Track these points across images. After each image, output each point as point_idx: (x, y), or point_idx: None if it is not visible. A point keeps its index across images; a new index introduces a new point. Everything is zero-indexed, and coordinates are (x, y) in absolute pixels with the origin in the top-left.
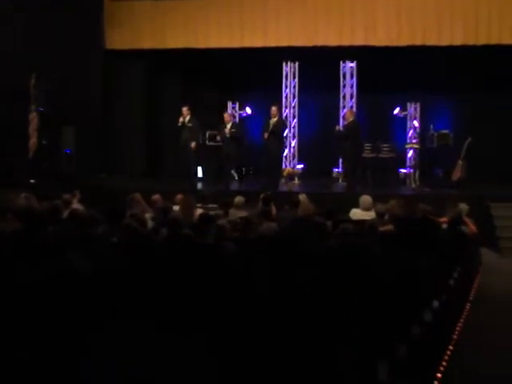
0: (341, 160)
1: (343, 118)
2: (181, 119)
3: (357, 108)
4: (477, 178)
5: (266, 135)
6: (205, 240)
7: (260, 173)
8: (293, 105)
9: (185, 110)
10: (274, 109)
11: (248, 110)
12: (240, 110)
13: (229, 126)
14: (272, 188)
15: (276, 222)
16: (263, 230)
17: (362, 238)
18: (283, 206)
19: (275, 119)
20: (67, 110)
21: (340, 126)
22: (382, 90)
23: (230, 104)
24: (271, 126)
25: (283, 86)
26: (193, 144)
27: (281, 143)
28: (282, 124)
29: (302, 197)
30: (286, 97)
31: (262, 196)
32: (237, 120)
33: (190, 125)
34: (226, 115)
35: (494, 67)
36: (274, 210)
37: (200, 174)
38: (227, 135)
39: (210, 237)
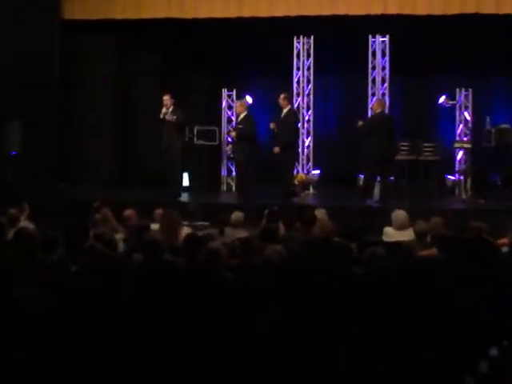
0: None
1: (372, 109)
2: (163, 110)
3: (390, 96)
4: None
5: (272, 125)
6: (193, 268)
7: (264, 180)
8: (307, 92)
9: (167, 99)
10: (282, 97)
11: (248, 100)
12: (238, 99)
13: (242, 116)
14: (280, 200)
15: (285, 245)
16: (268, 254)
17: (396, 265)
18: (294, 223)
19: (285, 110)
20: (13, 98)
21: (363, 121)
22: (423, 72)
23: (224, 92)
24: (281, 118)
25: (294, 68)
26: (177, 143)
27: (292, 143)
28: (294, 117)
29: (319, 212)
30: (298, 82)
31: (266, 211)
32: (244, 112)
33: (173, 118)
34: (238, 104)
35: None
36: (282, 229)
37: (186, 181)
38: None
39: (199, 263)
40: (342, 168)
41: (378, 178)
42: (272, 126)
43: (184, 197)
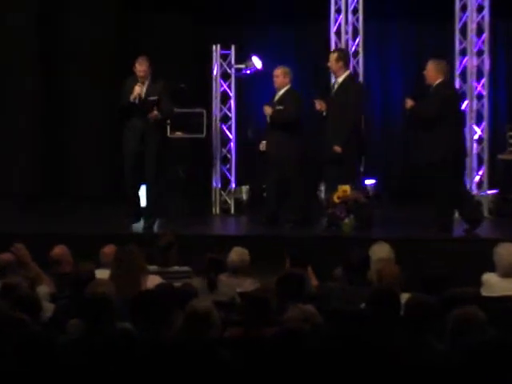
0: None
1: (427, 76)
2: (136, 90)
3: (490, 55)
4: None
5: (319, 104)
6: (164, 343)
7: (282, 194)
8: (352, 49)
9: (142, 68)
10: (335, 57)
11: (256, 63)
12: (239, 62)
13: (283, 91)
14: (308, 229)
15: (320, 305)
16: (291, 319)
17: (506, 342)
18: (333, 268)
19: (341, 78)
20: None
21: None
22: None
23: (216, 50)
24: (336, 91)
25: (331, 10)
26: (154, 145)
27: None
28: (360, 90)
29: (380, 249)
30: (339, 33)
31: (286, 251)
32: (286, 86)
33: (155, 115)
34: (279, 72)
35: None
36: (313, 277)
37: (143, 200)
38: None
39: (175, 335)
40: (405, 175)
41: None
42: (319, 105)
43: (155, 225)
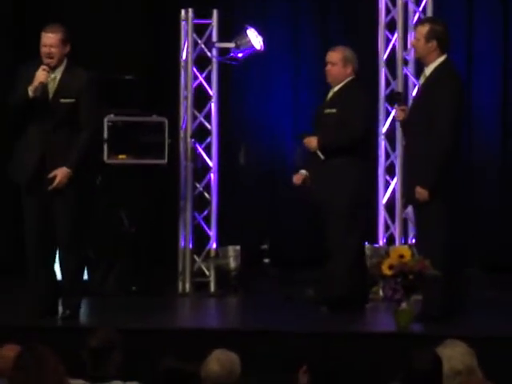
0: None
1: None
2: (39, 76)
3: None
4: None
5: (400, 113)
6: None
7: (297, 256)
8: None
9: (50, 39)
10: (428, 29)
11: (254, 40)
12: (224, 39)
13: (340, 85)
14: (349, 317)
15: None
16: None
17: None
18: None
19: (435, 64)
20: None
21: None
22: None
23: (187, 17)
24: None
25: None
26: (66, 169)
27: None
28: (458, 88)
29: (455, 353)
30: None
31: (308, 362)
32: (348, 77)
33: (65, 101)
34: (335, 54)
35: None
36: None
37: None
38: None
39: None
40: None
41: None
42: (400, 112)
43: (82, 311)
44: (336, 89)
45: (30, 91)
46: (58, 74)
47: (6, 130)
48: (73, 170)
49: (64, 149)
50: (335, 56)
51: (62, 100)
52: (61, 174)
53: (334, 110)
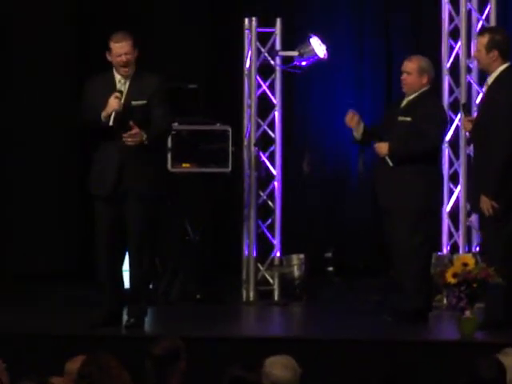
0: None
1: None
2: (112, 104)
3: None
4: None
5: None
6: None
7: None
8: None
9: (122, 48)
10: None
11: (318, 50)
12: (288, 48)
13: (416, 94)
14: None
15: None
16: None
17: None
18: None
19: (501, 68)
20: None
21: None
22: None
23: (251, 26)
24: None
25: None
26: (143, 180)
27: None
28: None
29: None
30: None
31: (373, 372)
32: (423, 87)
33: (142, 138)
34: (414, 63)
35: None
36: None
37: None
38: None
39: None
40: None
41: None
42: (467, 123)
43: (147, 320)
44: (411, 97)
45: (103, 117)
46: (128, 79)
47: (84, 143)
48: (148, 140)
49: (141, 156)
50: (410, 66)
51: (134, 102)
52: (140, 133)
53: (408, 119)
